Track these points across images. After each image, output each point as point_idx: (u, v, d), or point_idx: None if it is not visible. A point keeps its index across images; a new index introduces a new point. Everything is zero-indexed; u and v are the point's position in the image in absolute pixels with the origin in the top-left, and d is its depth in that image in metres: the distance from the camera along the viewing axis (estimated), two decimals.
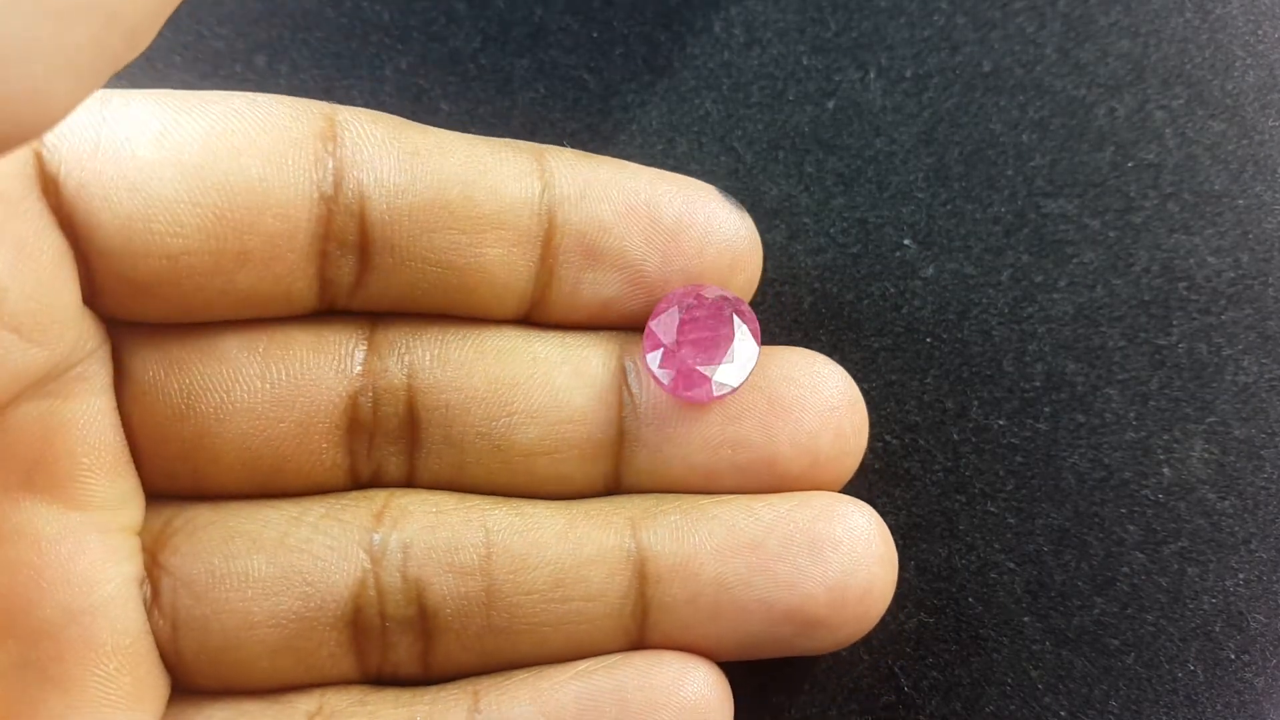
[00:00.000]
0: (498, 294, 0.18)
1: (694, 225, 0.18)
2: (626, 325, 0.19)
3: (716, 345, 0.18)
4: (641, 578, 0.18)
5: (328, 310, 0.18)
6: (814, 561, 0.17)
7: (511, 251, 0.18)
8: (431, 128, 0.18)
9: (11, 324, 0.15)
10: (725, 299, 0.18)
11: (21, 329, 0.15)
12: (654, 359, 0.18)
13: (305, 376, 0.18)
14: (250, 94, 0.17)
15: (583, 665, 0.18)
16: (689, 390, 0.18)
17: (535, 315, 0.19)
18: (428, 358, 0.18)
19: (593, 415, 0.18)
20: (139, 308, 0.17)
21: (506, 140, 0.18)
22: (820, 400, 0.18)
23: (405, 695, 0.18)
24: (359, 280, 0.18)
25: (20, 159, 0.16)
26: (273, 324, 0.18)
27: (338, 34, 0.22)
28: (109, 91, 0.17)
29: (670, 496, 0.18)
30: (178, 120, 0.16)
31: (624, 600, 0.18)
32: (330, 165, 0.17)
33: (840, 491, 0.19)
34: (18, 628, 0.16)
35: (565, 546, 0.18)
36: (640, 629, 0.18)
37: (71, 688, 0.16)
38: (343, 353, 0.18)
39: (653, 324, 0.18)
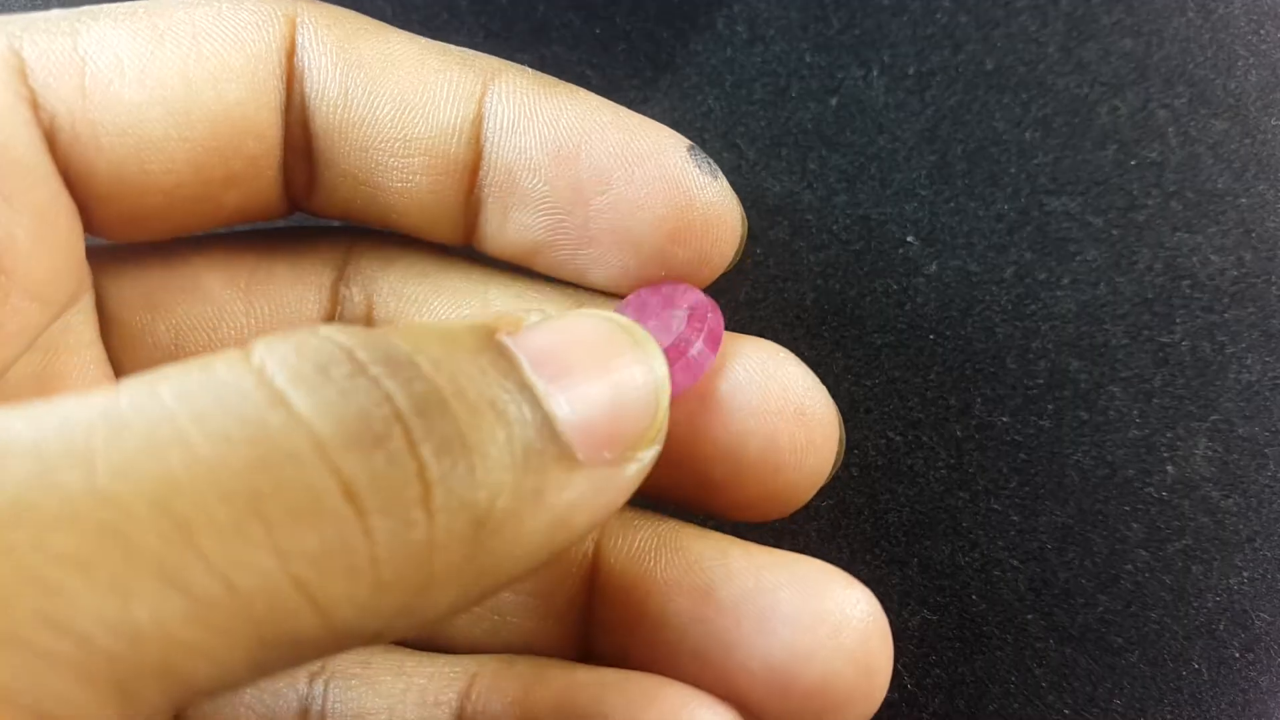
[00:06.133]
0: (429, 219, 0.18)
1: (631, 182, 0.16)
2: (566, 277, 0.18)
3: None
4: (589, 580, 0.17)
5: (290, 210, 0.18)
6: (758, 631, 0.15)
7: (439, 179, 0.17)
8: (391, 31, 0.17)
9: (34, 292, 0.15)
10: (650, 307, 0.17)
11: (41, 296, 0.16)
12: None
13: (286, 310, 0.18)
14: (210, 2, 0.17)
15: (582, 675, 0.16)
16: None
17: (476, 245, 0.18)
18: (386, 289, 0.18)
19: None
20: (129, 237, 0.17)
21: (463, 54, 0.17)
22: (757, 400, 0.16)
23: (410, 662, 0.18)
24: (311, 186, 0.18)
25: (20, 119, 0.16)
26: (252, 258, 0.18)
27: None
28: (75, 14, 0.16)
29: (650, 517, 0.17)
30: (153, 53, 0.16)
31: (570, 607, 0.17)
32: (287, 79, 0.17)
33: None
34: None
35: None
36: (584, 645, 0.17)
37: None
38: (319, 283, 0.18)
39: None
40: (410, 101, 0.17)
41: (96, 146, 0.16)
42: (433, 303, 0.18)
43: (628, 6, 0.23)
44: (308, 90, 0.17)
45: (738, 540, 0.16)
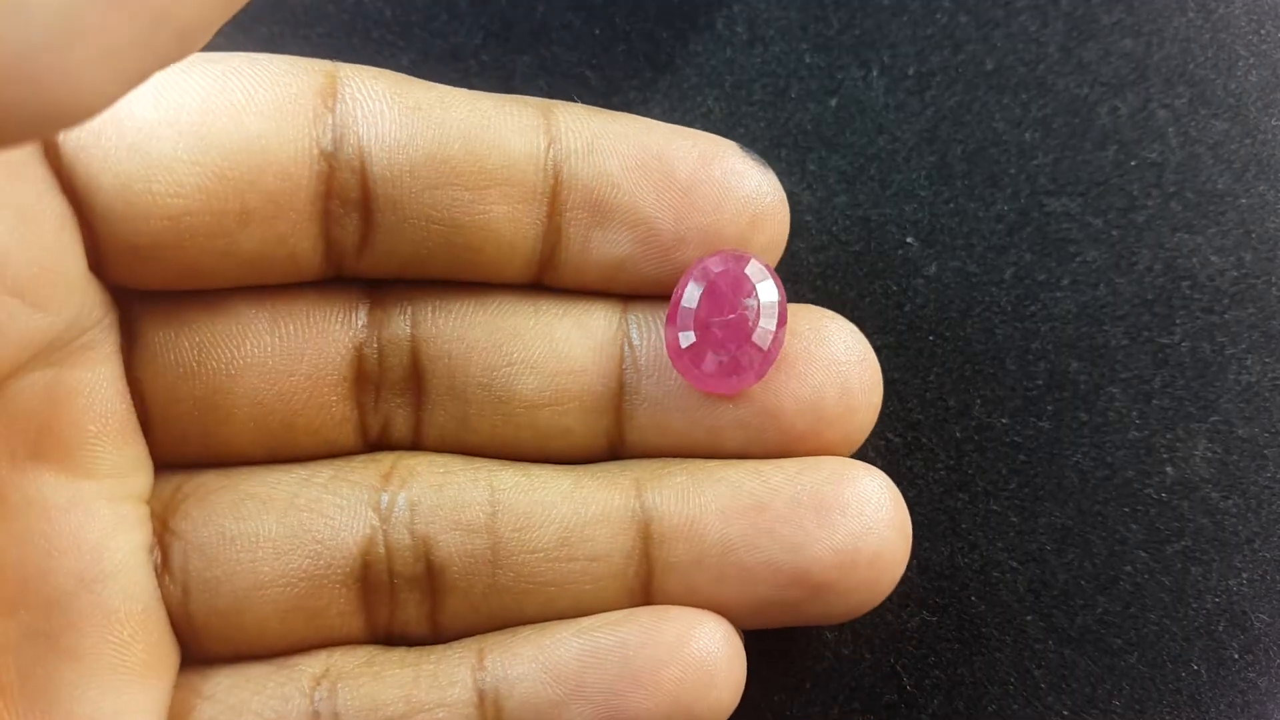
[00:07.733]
0: (505, 253, 0.18)
1: (710, 180, 0.17)
2: (643, 290, 0.18)
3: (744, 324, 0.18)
4: (646, 538, 0.18)
5: (335, 275, 0.18)
6: (821, 525, 0.17)
7: (517, 208, 0.17)
8: (435, 84, 0.18)
9: (15, 289, 0.15)
10: (731, 266, 0.17)
11: (25, 294, 0.15)
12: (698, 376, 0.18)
13: (313, 330, 0.18)
14: (250, 54, 0.17)
15: (586, 621, 0.17)
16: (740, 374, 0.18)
17: (546, 278, 0.18)
18: (429, 309, 0.18)
19: (592, 367, 0.18)
20: (144, 274, 0.17)
21: (513, 95, 0.18)
22: (825, 355, 0.18)
23: (411, 655, 0.18)
24: (365, 240, 0.17)
25: None
26: (280, 286, 0.18)
27: (339, 30, 0.22)
28: None
29: (678, 460, 0.18)
30: (176, 79, 0.16)
31: (628, 561, 0.18)
32: (330, 121, 0.17)
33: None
34: (29, 597, 0.16)
35: (570, 506, 0.18)
36: (645, 591, 0.18)
37: (85, 656, 0.16)
38: (348, 309, 0.18)
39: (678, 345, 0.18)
40: (479, 136, 0.17)
41: (103, 160, 0.16)
42: (479, 317, 0.18)
43: (628, 7, 0.23)
44: (363, 135, 0.17)
45: (761, 461, 0.18)
